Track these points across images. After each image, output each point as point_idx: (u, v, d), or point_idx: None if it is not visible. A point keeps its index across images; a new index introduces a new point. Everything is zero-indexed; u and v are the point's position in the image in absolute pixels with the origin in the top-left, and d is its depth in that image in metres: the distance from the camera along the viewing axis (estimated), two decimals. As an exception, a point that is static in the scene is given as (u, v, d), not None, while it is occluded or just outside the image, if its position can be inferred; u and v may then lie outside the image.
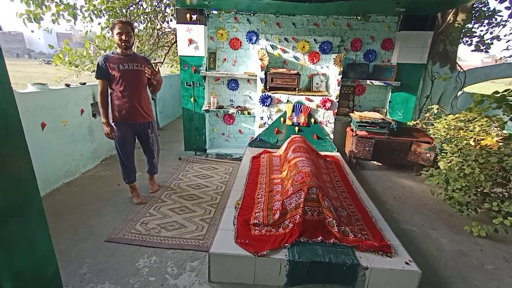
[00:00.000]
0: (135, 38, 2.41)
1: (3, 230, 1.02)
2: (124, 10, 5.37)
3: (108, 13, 5.19)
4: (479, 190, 2.55)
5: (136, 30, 5.71)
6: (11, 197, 1.05)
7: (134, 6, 5.50)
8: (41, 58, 32.10)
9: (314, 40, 3.70)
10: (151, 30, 5.90)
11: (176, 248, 2.08)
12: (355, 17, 3.73)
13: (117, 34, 2.31)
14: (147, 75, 2.43)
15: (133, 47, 2.44)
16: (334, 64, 3.57)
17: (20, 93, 2.52)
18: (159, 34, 6.44)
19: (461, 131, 2.85)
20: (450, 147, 2.75)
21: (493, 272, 2.00)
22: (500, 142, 2.45)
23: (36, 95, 2.68)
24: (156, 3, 5.67)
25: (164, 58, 6.62)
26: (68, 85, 3.15)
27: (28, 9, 4.27)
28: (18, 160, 1.06)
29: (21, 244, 1.10)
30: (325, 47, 3.72)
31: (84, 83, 3.39)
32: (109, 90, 2.44)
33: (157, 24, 6.00)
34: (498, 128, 2.65)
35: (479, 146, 2.54)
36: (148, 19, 5.84)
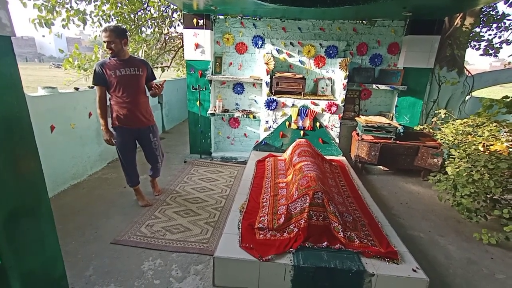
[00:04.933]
0: (125, 42, 2.33)
1: (14, 231, 1.04)
2: (132, 15, 5.47)
3: (117, 18, 5.29)
4: (488, 196, 2.49)
5: (143, 35, 5.82)
6: (22, 199, 1.07)
7: (142, 11, 5.60)
8: (51, 62, 32.80)
9: (320, 44, 3.71)
10: (158, 35, 6.00)
11: (180, 251, 2.08)
12: (361, 21, 3.73)
13: (103, 42, 2.30)
14: (153, 89, 2.47)
15: (124, 51, 2.36)
16: (339, 68, 3.57)
17: (31, 96, 2.58)
18: (166, 38, 6.55)
19: (469, 136, 2.81)
20: (458, 152, 2.70)
21: (505, 282, 1.95)
22: (511, 148, 2.41)
23: (46, 98, 2.74)
24: (163, 9, 5.77)
25: (171, 62, 6.71)
26: (77, 89, 3.21)
27: (40, 14, 4.38)
28: (29, 162, 1.08)
29: (30, 245, 1.12)
30: (331, 52, 3.72)
31: (93, 87, 3.44)
32: (108, 96, 2.44)
33: (164, 29, 6.10)
34: (508, 134, 2.60)
35: (488, 151, 2.50)
36: (155, 24, 5.94)
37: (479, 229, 2.42)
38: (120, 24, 5.23)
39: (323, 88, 3.85)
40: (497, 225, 2.51)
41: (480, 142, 2.59)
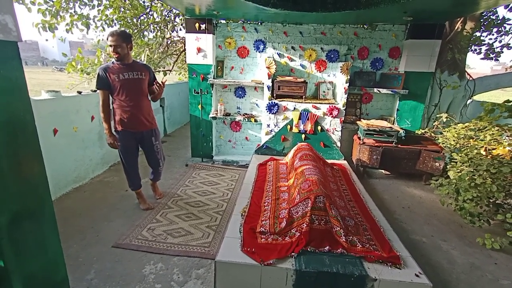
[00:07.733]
0: (131, 47, 2.39)
1: (16, 233, 1.04)
2: (135, 20, 5.53)
3: (120, 22, 5.35)
4: (491, 201, 2.48)
5: (146, 39, 5.87)
6: (25, 201, 1.08)
7: (144, 15, 5.66)
8: (54, 65, 33.08)
9: (321, 48, 3.73)
10: (160, 39, 6.05)
11: (182, 255, 2.08)
12: (362, 26, 3.75)
13: (109, 46, 2.33)
14: (155, 88, 2.50)
15: (129, 55, 2.40)
16: (341, 72, 3.58)
17: (35, 100, 2.60)
18: (168, 42, 6.60)
19: (471, 140, 2.81)
20: (460, 156, 2.70)
21: None
22: (513, 152, 2.40)
23: (50, 102, 2.76)
24: (166, 13, 5.83)
25: (173, 66, 6.75)
26: (80, 92, 3.23)
27: (43, 19, 4.43)
28: (33, 165, 1.09)
29: (32, 248, 1.12)
30: (332, 56, 3.74)
31: (95, 90, 3.47)
32: (111, 99, 2.47)
33: (166, 33, 6.15)
34: (510, 138, 2.60)
35: (490, 155, 2.49)
36: (158, 28, 6.00)
37: (482, 234, 2.41)
38: (124, 29, 5.29)
39: (324, 92, 3.86)
40: (501, 230, 2.49)
41: (482, 146, 2.59)
